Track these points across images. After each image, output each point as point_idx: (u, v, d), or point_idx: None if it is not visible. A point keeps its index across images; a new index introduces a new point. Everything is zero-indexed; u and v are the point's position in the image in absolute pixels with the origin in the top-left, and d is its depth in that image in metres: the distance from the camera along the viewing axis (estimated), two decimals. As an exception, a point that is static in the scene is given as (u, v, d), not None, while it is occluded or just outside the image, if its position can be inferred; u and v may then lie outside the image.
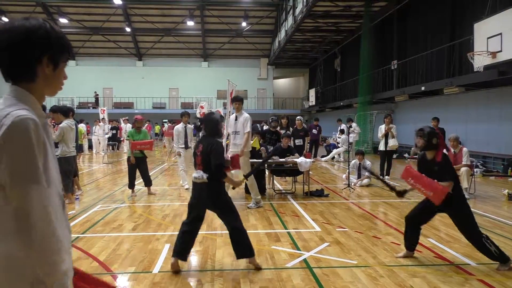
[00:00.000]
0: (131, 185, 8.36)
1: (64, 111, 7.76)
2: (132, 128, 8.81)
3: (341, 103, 24.46)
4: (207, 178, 4.05)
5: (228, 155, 4.68)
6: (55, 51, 1.38)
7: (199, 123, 4.36)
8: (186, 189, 9.01)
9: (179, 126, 9.08)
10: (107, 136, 19.59)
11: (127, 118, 21.41)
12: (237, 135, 7.07)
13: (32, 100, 1.36)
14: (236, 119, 7.12)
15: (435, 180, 4.12)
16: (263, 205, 7.29)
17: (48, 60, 1.37)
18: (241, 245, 4.13)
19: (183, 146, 9.01)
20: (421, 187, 4.18)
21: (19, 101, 1.32)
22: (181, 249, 4.13)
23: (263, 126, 16.68)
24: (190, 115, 9.31)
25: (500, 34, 9.82)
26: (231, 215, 4.19)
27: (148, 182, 8.50)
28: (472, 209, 7.07)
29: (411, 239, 4.53)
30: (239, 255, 4.15)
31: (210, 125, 4.25)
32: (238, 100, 7.18)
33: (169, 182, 10.51)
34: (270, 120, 10.19)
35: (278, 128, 10.32)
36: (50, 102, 29.95)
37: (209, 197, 4.11)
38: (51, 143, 1.38)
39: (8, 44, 1.32)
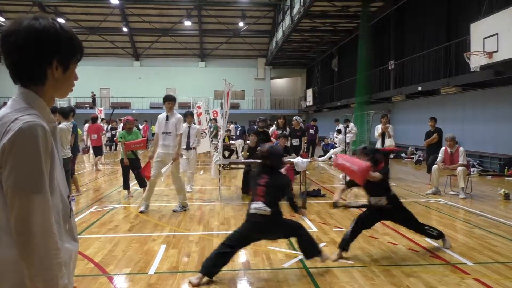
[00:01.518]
0: (126, 186, 8.34)
1: (65, 113, 7.65)
2: (123, 129, 8.52)
3: (339, 103, 24.48)
4: (271, 212, 3.95)
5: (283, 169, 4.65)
6: (65, 53, 1.35)
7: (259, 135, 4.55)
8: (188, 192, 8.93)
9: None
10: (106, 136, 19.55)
11: (120, 118, 21.42)
12: (167, 136, 6.83)
13: (41, 104, 1.33)
14: (167, 119, 6.84)
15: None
16: (189, 208, 7.10)
17: (58, 63, 1.33)
18: (311, 247, 4.19)
19: (184, 147, 8.85)
20: (351, 164, 4.51)
21: (28, 105, 1.29)
22: (215, 270, 3.95)
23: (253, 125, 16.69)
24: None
25: (496, 34, 9.83)
26: (294, 228, 4.22)
27: (142, 183, 8.42)
28: (468, 209, 7.14)
29: (351, 241, 4.61)
30: (309, 256, 4.20)
31: (277, 159, 4.27)
32: (171, 100, 6.89)
33: (166, 182, 10.48)
34: (258, 120, 10.19)
35: (275, 129, 10.31)
36: (47, 102, 29.90)
37: (272, 230, 4.09)
38: (58, 149, 1.35)
39: (17, 46, 1.28)
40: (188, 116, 8.89)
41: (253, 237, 4.13)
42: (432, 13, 15.73)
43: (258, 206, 3.99)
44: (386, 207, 4.56)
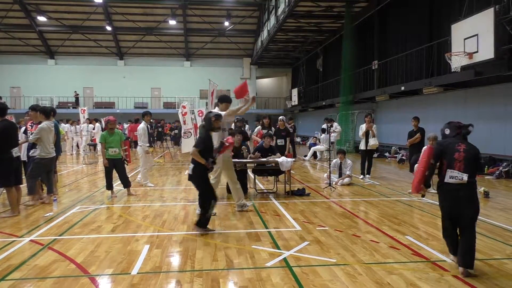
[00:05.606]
0: (109, 186, 8.26)
1: (46, 112, 7.57)
2: (105, 130, 8.37)
3: (324, 103, 24.65)
4: (467, 178, 4.04)
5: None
6: None
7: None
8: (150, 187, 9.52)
9: (143, 125, 9.52)
10: (88, 136, 19.35)
11: (95, 119, 21.75)
12: None
13: None
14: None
15: None
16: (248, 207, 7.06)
17: None
18: (472, 252, 4.07)
19: (148, 144, 9.65)
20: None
21: None
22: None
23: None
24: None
25: (476, 35, 10.02)
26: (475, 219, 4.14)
27: (126, 183, 8.38)
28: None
29: None
30: (468, 264, 4.01)
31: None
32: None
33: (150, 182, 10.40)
34: (235, 120, 10.42)
35: (260, 128, 10.37)
36: (29, 101, 29.36)
37: (467, 200, 4.06)
38: None
39: None
40: (146, 115, 9.70)
41: (456, 210, 4.11)
42: (415, 13, 15.96)
43: (458, 174, 4.10)
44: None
